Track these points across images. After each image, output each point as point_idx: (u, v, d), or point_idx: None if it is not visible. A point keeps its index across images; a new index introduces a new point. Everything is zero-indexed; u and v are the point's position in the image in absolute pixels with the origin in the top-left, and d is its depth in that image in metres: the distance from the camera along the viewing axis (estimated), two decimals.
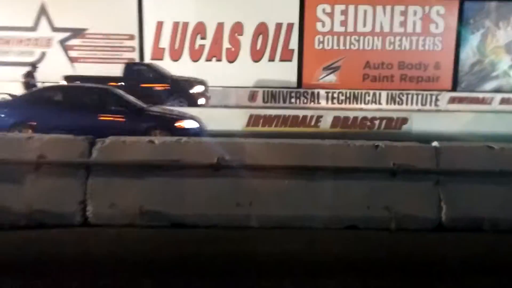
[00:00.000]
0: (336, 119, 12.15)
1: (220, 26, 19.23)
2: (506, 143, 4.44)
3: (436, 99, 18.90)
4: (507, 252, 3.54)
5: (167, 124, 8.04)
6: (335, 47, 19.77)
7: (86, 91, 8.67)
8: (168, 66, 18.35)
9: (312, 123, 12.02)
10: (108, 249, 3.45)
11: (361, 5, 19.60)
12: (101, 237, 3.70)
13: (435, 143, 4.23)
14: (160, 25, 19.02)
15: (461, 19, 19.75)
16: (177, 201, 3.98)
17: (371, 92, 19.03)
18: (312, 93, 18.98)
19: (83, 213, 3.92)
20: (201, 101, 14.26)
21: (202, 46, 19.34)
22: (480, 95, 19.16)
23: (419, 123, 11.90)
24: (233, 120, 11.57)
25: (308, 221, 3.97)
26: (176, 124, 8.10)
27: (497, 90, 19.53)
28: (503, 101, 18.46)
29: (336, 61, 19.81)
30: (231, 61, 19.26)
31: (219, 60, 19.05)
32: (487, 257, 3.42)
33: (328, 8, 19.61)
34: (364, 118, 12.24)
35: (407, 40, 19.83)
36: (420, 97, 18.92)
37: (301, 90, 19.17)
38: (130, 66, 15.13)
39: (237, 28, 19.32)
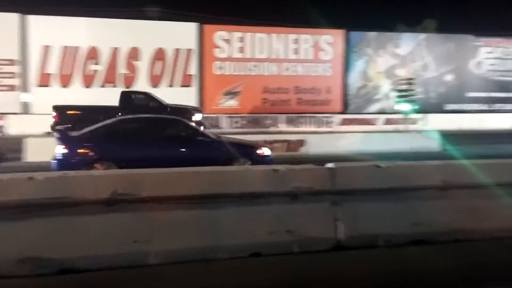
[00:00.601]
0: None
1: (115, 51, 18.52)
2: (391, 161, 4.82)
3: (329, 121, 20.27)
4: (400, 267, 3.75)
5: (249, 153, 7.73)
6: (234, 72, 20.24)
7: (159, 123, 8.28)
8: (56, 92, 17.12)
9: None
10: None
11: (258, 33, 20.45)
12: None
13: (330, 164, 4.41)
14: (46, 49, 17.68)
15: (347, 47, 21.67)
16: (65, 244, 3.56)
17: (271, 116, 19.74)
18: (214, 118, 19.07)
19: None
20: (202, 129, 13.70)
21: (95, 72, 18.39)
22: (367, 117, 21.02)
23: (315, 145, 12.51)
24: None
25: (212, 252, 3.82)
26: (257, 152, 7.83)
27: (381, 112, 21.63)
28: (387, 122, 20.46)
29: (236, 86, 20.25)
30: (127, 86, 18.57)
31: (114, 86, 18.23)
32: (382, 274, 3.59)
33: (226, 35, 20.08)
34: (265, 142, 12.52)
35: (301, 66, 21.10)
36: (315, 119, 20.10)
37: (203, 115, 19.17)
38: (126, 95, 14.27)
39: (133, 53, 18.79)
